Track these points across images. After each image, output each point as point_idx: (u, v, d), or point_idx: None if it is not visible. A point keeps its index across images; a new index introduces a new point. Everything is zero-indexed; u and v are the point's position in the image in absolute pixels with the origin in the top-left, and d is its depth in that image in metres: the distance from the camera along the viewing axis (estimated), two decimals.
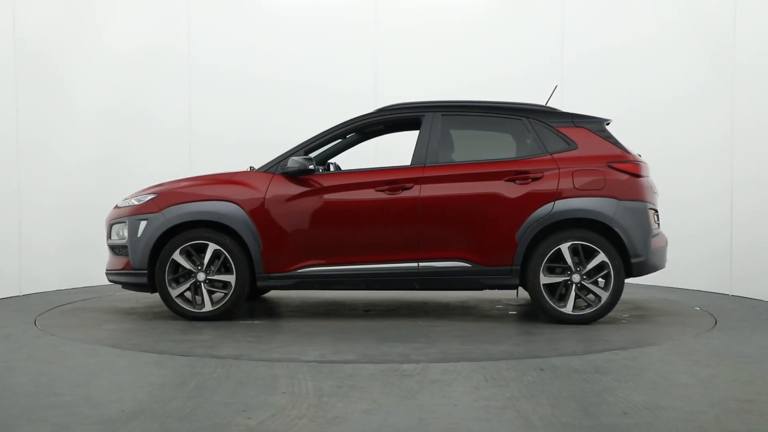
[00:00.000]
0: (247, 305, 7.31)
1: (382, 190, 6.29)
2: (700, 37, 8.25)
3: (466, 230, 6.20)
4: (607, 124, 6.51)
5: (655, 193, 6.39)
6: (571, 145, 6.29)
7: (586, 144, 6.30)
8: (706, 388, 4.27)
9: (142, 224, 6.45)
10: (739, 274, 7.79)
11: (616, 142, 6.33)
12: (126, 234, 6.51)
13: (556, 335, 5.79)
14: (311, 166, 6.30)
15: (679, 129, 8.35)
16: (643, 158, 6.49)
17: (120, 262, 6.55)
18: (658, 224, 6.41)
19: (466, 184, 6.26)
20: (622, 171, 6.20)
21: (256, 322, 6.45)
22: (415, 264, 6.24)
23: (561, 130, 6.34)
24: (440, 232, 6.23)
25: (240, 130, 9.35)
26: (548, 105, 6.62)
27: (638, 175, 6.22)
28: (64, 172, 8.38)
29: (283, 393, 4.15)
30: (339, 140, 6.77)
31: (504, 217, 6.17)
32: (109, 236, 6.71)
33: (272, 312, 6.99)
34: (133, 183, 8.93)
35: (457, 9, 9.63)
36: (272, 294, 7.99)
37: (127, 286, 6.60)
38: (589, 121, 6.40)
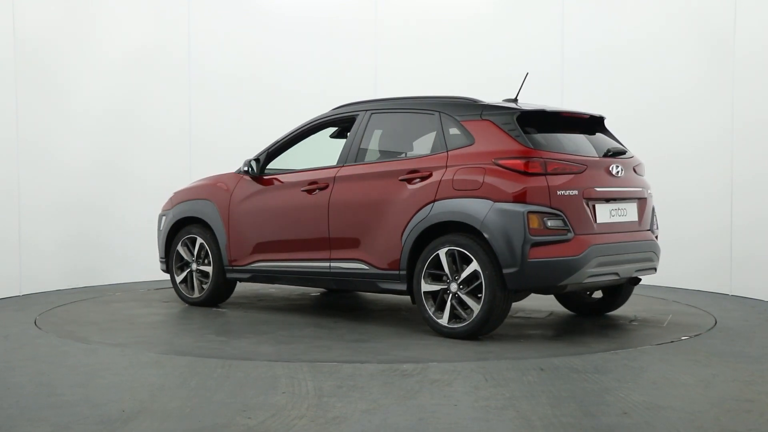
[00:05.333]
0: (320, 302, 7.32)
1: (306, 191, 6.42)
2: (700, 36, 8.24)
3: (364, 232, 6.02)
4: (596, 119, 6.14)
5: (571, 194, 5.46)
6: (468, 140, 5.71)
7: (484, 139, 5.64)
8: (706, 388, 4.27)
9: (163, 219, 7.50)
10: (739, 274, 7.78)
11: (518, 136, 5.53)
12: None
13: (557, 335, 5.78)
14: (245, 168, 6.80)
15: (680, 128, 8.33)
16: (631, 154, 6.12)
17: None
18: (565, 230, 5.39)
19: (366, 184, 6.07)
20: (508, 168, 5.45)
21: (223, 310, 6.99)
22: (328, 264, 6.28)
23: (465, 124, 5.76)
24: (345, 233, 6.16)
25: (240, 131, 9.34)
26: (517, 96, 6.14)
27: (530, 174, 5.40)
28: (64, 173, 8.37)
29: (283, 393, 4.16)
30: (302, 140, 6.85)
31: (393, 219, 5.86)
32: None
33: (265, 305, 7.00)
34: (133, 183, 8.96)
35: (458, 9, 9.62)
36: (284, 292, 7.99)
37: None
38: (497, 114, 5.70)
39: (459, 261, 5.53)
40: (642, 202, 6.05)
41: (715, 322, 6.27)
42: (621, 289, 6.47)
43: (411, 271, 5.79)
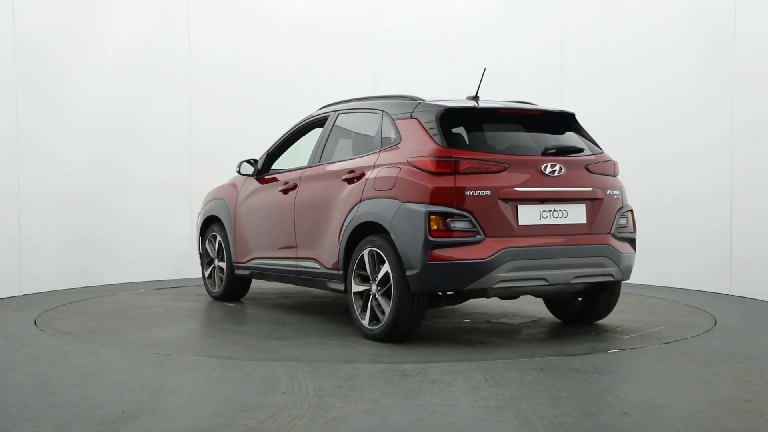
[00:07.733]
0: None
1: (282, 191, 6.57)
2: (699, 36, 8.24)
3: (315, 232, 6.09)
4: (558, 115, 5.81)
5: (483, 194, 5.19)
6: (398, 139, 5.61)
7: (408, 138, 5.52)
8: (706, 388, 4.27)
9: (199, 218, 7.85)
10: (739, 274, 7.78)
11: (435, 135, 5.35)
12: None
13: (557, 335, 5.78)
14: (237, 169, 7.05)
15: (680, 128, 8.33)
16: (597, 151, 5.73)
17: None
18: (473, 231, 5.15)
19: (319, 185, 6.13)
20: (419, 168, 5.28)
21: (229, 305, 7.29)
22: (295, 263, 6.38)
23: (397, 123, 5.66)
24: (304, 233, 6.24)
25: (240, 131, 9.36)
26: (477, 93, 5.91)
27: (437, 173, 5.20)
28: (64, 171, 8.37)
29: (283, 393, 4.16)
30: (296, 140, 6.98)
31: (334, 219, 5.86)
32: None
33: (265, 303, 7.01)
34: (133, 183, 8.95)
35: (458, 9, 9.63)
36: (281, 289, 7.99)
37: None
38: (424, 112, 5.53)
39: (377, 262, 5.46)
40: (596, 203, 5.54)
41: (715, 322, 6.27)
42: (598, 297, 5.96)
43: (347, 271, 5.77)
